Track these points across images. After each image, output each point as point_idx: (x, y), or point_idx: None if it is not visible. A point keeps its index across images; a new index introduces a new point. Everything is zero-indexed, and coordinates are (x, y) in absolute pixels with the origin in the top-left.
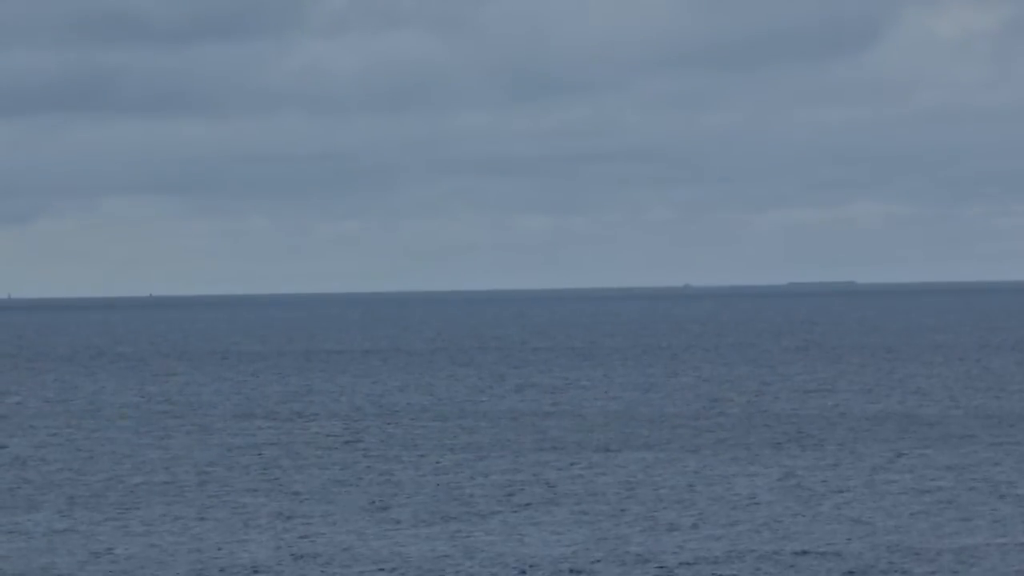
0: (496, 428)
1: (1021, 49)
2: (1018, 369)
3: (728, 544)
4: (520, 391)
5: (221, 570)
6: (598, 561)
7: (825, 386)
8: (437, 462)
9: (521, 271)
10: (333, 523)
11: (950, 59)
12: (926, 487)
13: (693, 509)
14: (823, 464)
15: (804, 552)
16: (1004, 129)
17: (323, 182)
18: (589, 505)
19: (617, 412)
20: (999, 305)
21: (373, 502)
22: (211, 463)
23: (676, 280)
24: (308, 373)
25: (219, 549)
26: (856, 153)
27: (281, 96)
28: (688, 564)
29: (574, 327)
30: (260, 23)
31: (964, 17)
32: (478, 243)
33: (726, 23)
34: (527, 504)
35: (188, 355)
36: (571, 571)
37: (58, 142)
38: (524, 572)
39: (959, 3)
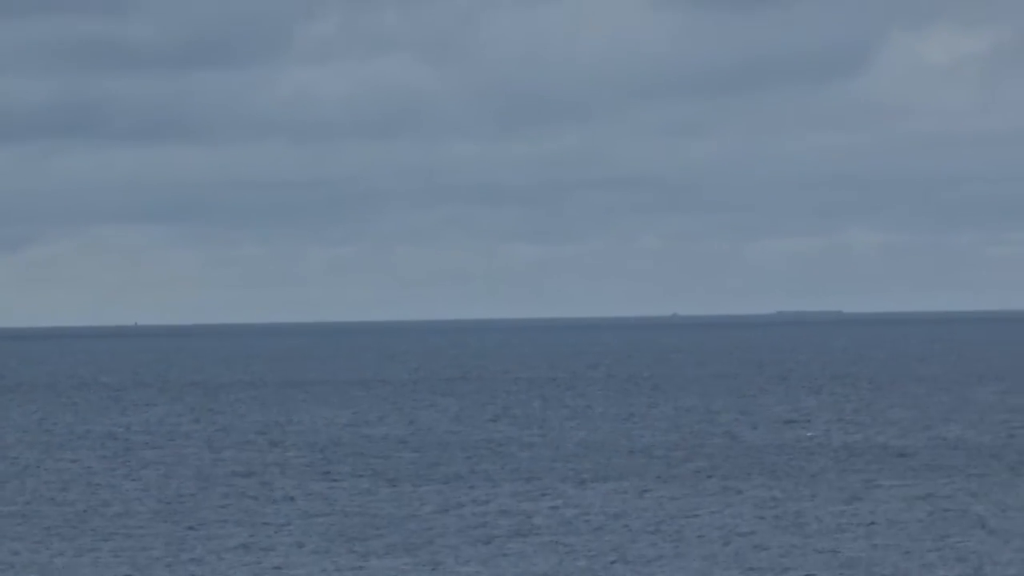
0: (473, 458)
1: (1011, 74)
2: (998, 400)
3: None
4: (498, 421)
5: None
6: None
7: (803, 417)
8: (412, 493)
9: (511, 300)
10: (304, 555)
11: (940, 84)
12: (901, 519)
13: (668, 540)
14: (798, 495)
15: None
16: (995, 155)
17: (313, 209)
18: (563, 536)
19: (595, 442)
20: (988, 335)
21: (345, 533)
22: (185, 494)
23: (665, 309)
24: (288, 403)
25: None
26: (846, 180)
27: (270, 123)
28: None
29: (557, 357)
30: (248, 51)
31: (953, 42)
32: (468, 271)
33: (715, 50)
34: (501, 535)
35: (169, 385)
36: None
37: (48, 169)
38: None
39: (947, 28)
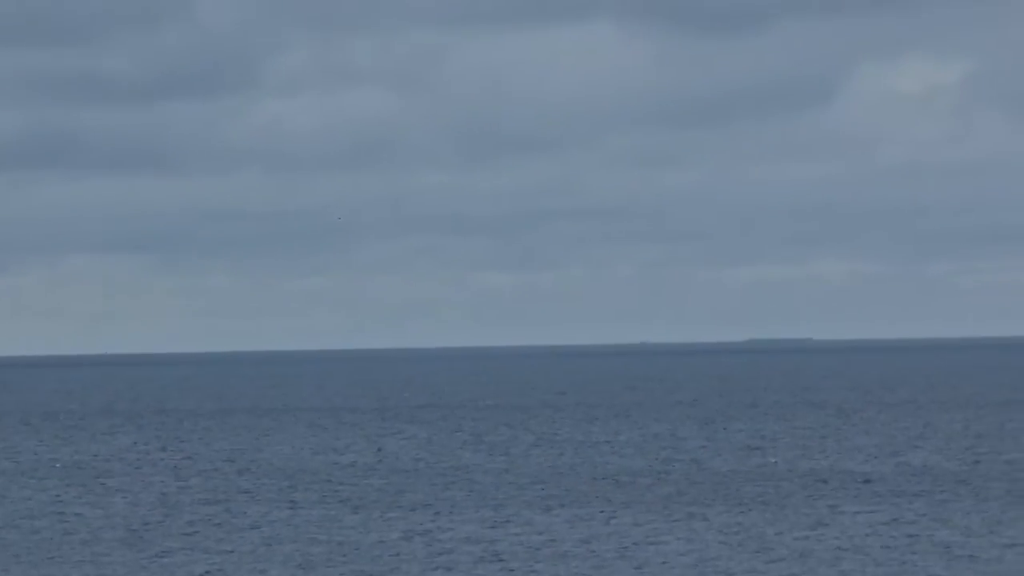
0: (440, 486)
1: (982, 104)
2: (964, 427)
3: None
4: (465, 448)
5: None
6: None
7: (770, 443)
8: (378, 520)
9: (483, 328)
10: None
11: (911, 114)
12: (866, 544)
13: (634, 567)
14: (763, 521)
15: None
16: (966, 185)
17: (285, 240)
18: (530, 563)
19: (561, 469)
20: (957, 363)
21: (310, 560)
22: (152, 521)
23: (637, 337)
24: (257, 431)
25: None
26: (818, 210)
27: (241, 154)
28: None
29: (525, 384)
30: (220, 82)
31: (924, 72)
32: (441, 300)
33: (686, 81)
34: (467, 562)
35: (138, 413)
36: None
37: (20, 199)
38: None
39: (919, 58)
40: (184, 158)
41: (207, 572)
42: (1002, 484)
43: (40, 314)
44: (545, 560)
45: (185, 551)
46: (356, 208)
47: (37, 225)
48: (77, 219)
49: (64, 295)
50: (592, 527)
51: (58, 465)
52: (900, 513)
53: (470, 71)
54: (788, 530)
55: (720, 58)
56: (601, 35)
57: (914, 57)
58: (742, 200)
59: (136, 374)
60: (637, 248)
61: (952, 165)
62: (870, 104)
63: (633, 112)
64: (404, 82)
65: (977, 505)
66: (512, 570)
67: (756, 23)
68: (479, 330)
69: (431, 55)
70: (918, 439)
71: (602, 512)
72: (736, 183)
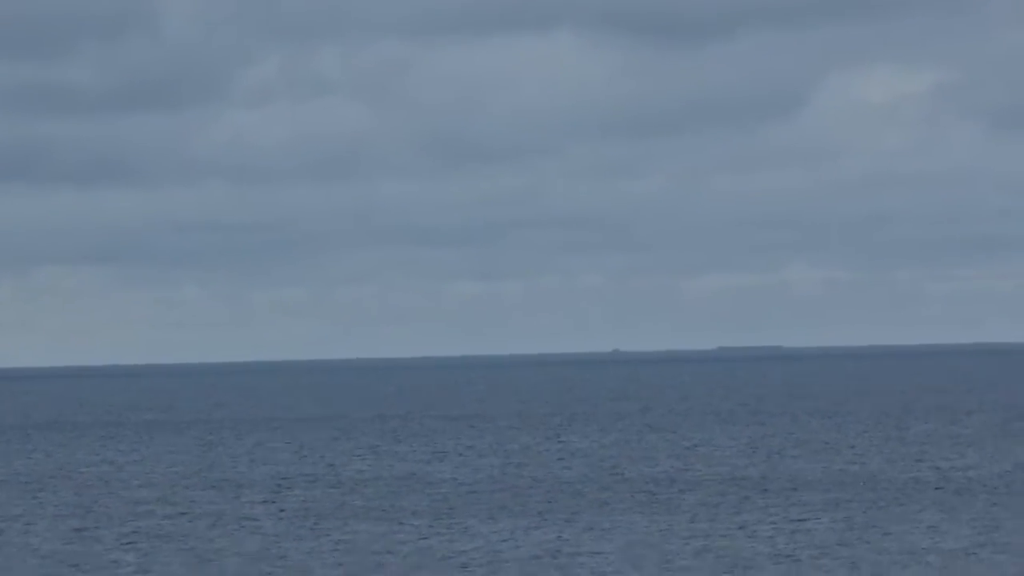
0: (370, 495)
1: (949, 113)
2: (923, 435)
3: None
4: (417, 458)
5: None
6: None
7: (719, 451)
8: (323, 530)
9: (453, 338)
10: None
11: (878, 124)
12: (797, 552)
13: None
14: (701, 528)
15: None
16: (935, 194)
17: (254, 251)
18: (473, 571)
19: (508, 477)
20: (926, 370)
21: (245, 574)
22: (88, 536)
23: (607, 345)
24: (214, 443)
25: None
26: (785, 218)
27: (209, 165)
28: None
29: (485, 393)
30: (187, 94)
31: (891, 82)
32: (410, 310)
33: (653, 90)
34: (410, 572)
35: (85, 425)
36: None
37: None
38: None
39: (887, 68)
40: (152, 169)
41: None
42: (944, 493)
43: (8, 326)
44: (480, 565)
45: (128, 564)
46: (325, 219)
47: (4, 237)
48: (45, 231)
49: (32, 307)
50: (538, 536)
51: (10, 478)
52: (843, 520)
53: (436, 81)
54: (730, 537)
55: (686, 68)
56: (566, 45)
57: (882, 67)
58: (710, 209)
59: (105, 386)
60: (605, 257)
61: (920, 174)
62: (838, 114)
63: (599, 122)
64: (371, 93)
65: (915, 514)
66: None
67: (723, 33)
68: (448, 340)
69: (397, 66)
70: (871, 447)
71: (549, 521)
72: (702, 193)
